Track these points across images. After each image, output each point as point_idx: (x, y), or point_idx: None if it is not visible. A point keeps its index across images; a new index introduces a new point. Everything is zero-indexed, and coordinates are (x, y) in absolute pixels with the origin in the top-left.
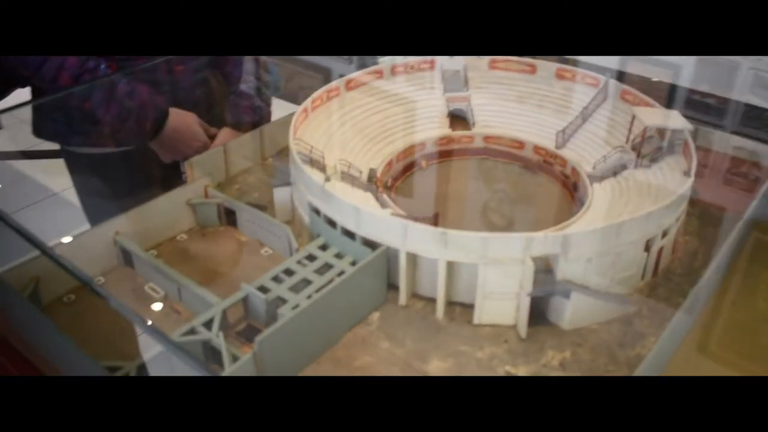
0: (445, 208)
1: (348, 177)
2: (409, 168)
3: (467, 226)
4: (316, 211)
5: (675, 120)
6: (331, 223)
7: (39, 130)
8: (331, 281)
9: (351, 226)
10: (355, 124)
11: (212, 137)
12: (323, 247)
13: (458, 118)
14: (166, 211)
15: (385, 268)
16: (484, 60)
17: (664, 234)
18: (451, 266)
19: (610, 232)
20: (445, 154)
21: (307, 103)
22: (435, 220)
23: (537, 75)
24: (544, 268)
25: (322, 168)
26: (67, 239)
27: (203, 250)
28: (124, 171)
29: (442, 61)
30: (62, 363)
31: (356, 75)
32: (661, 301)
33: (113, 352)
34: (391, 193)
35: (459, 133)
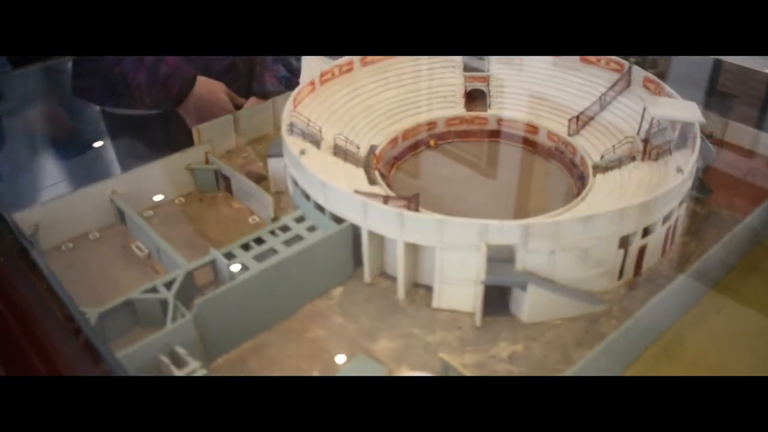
0: (444, 189)
1: (341, 152)
2: (416, 147)
3: (461, 209)
4: (296, 183)
5: (686, 112)
6: (307, 196)
7: (79, 91)
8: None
9: (321, 201)
10: (365, 101)
11: (239, 106)
12: (299, 219)
13: (476, 99)
14: (166, 173)
15: (350, 245)
16: None
17: (647, 232)
18: (415, 248)
19: (573, 225)
20: (456, 134)
21: (316, 76)
22: (413, 201)
23: (561, 57)
24: (506, 257)
25: (316, 142)
26: (66, 194)
27: (196, 214)
28: (158, 132)
29: None
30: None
31: None
32: (637, 303)
33: (91, 299)
34: (391, 170)
35: (472, 113)
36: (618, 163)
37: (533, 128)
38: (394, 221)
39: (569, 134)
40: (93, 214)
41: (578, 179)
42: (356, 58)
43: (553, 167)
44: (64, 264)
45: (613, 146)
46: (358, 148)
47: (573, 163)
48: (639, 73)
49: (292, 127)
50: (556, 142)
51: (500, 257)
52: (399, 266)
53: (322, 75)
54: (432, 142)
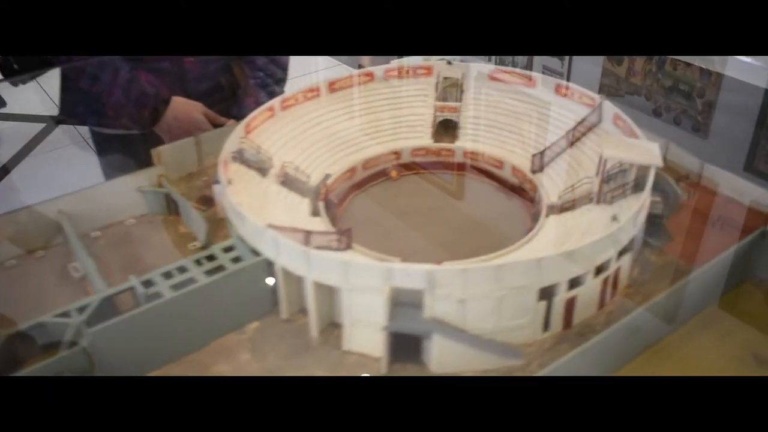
0: (396, 223)
1: (290, 181)
2: (376, 177)
3: (407, 245)
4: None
5: (642, 153)
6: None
7: (63, 109)
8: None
9: (241, 231)
10: (328, 128)
11: (220, 126)
12: (227, 249)
13: (447, 129)
14: (118, 194)
15: (260, 280)
16: (485, 70)
17: (574, 284)
18: (329, 286)
19: (483, 274)
20: (421, 165)
21: (275, 102)
22: (344, 237)
23: (536, 89)
24: (416, 303)
25: (263, 170)
26: (16, 209)
27: (142, 237)
28: (143, 150)
29: (441, 68)
30: None
31: (343, 77)
32: (561, 357)
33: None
34: (344, 201)
35: (439, 145)
36: (572, 205)
37: (498, 163)
38: (302, 259)
39: (532, 171)
40: (41, 232)
41: (534, 219)
42: (324, 84)
43: (514, 205)
44: (4, 281)
45: (572, 186)
46: (308, 177)
47: (533, 201)
48: (609, 110)
49: (240, 154)
50: (520, 178)
51: (410, 302)
52: (310, 305)
53: (284, 101)
54: (394, 173)
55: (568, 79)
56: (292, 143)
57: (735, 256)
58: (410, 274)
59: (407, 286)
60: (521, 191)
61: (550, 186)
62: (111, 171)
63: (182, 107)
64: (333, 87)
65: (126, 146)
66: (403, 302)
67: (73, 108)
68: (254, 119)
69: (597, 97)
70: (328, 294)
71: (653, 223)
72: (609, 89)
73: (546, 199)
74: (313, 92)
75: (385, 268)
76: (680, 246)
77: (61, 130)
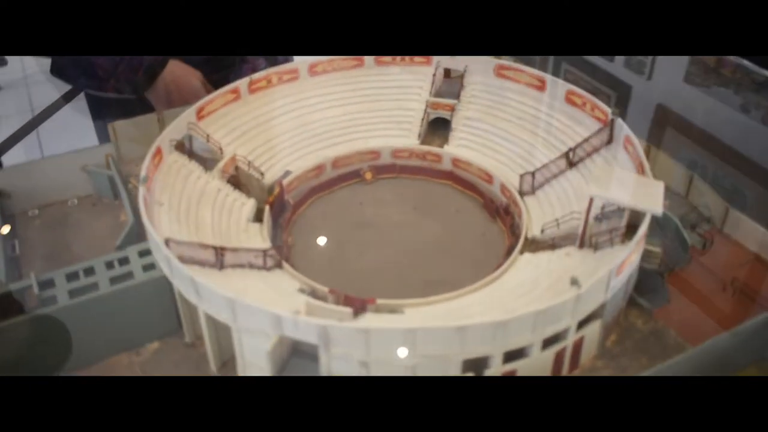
0: (356, 236)
1: (236, 178)
2: (347, 178)
3: (358, 266)
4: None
5: (639, 196)
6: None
7: (54, 70)
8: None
9: (150, 242)
10: (301, 116)
11: None
12: (143, 253)
13: (437, 130)
14: (62, 172)
15: (169, 296)
16: (491, 64)
17: (514, 357)
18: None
19: (389, 337)
20: (401, 169)
21: (242, 83)
22: (276, 254)
23: (545, 93)
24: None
25: (207, 162)
26: None
27: (79, 221)
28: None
29: (442, 59)
30: None
31: (326, 59)
32: None
33: None
34: (302, 205)
35: (425, 148)
36: (551, 245)
37: (488, 176)
38: (190, 288)
39: (521, 193)
40: None
41: (508, 252)
42: (304, 66)
43: (493, 231)
44: None
45: (557, 220)
46: (262, 174)
47: (513, 228)
48: (621, 130)
49: (190, 141)
50: (508, 199)
51: (309, 355)
52: (205, 335)
53: (252, 82)
54: (368, 175)
55: (652, 63)
56: (253, 133)
57: (737, 339)
58: (300, 327)
59: (299, 338)
60: (505, 215)
61: (537, 214)
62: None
63: (181, 71)
64: (314, 70)
65: (123, 112)
66: (303, 352)
67: (63, 69)
68: (210, 102)
69: (609, 111)
70: (225, 327)
71: (649, 277)
72: (695, 78)
73: (527, 229)
74: (290, 74)
75: (273, 315)
76: (677, 312)
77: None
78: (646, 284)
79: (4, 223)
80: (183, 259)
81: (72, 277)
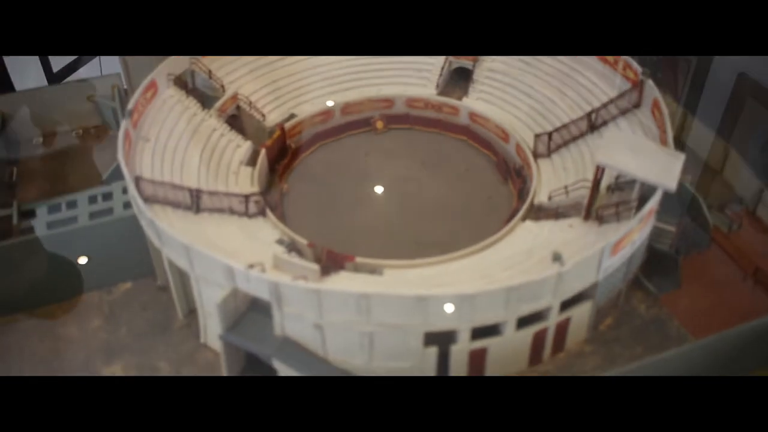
0: (353, 189)
1: (236, 117)
2: (356, 126)
3: (350, 223)
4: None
5: (652, 168)
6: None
7: None
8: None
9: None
10: (312, 57)
11: None
12: (126, 189)
13: (458, 81)
14: (68, 100)
15: (143, 237)
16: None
17: (487, 333)
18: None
19: (341, 300)
20: (415, 120)
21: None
22: (256, 200)
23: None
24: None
25: (206, 99)
26: None
27: (81, 152)
28: None
29: None
30: None
31: None
32: None
33: None
34: (306, 150)
35: (441, 99)
36: (555, 214)
37: (504, 135)
38: (152, 230)
39: (535, 155)
40: None
41: (511, 217)
42: None
43: (502, 193)
44: None
45: (566, 188)
46: (263, 116)
47: (523, 192)
48: (651, 92)
49: (192, 77)
50: (523, 160)
51: (266, 312)
52: (171, 282)
53: None
54: (380, 124)
55: None
56: (261, 72)
57: (747, 338)
58: (252, 281)
59: (253, 293)
60: (517, 177)
61: (550, 178)
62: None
63: None
64: None
65: None
66: (261, 309)
67: None
68: None
69: (640, 71)
70: (188, 273)
71: (660, 258)
72: None
73: (535, 194)
74: None
75: (226, 266)
76: (685, 299)
77: None
78: (656, 266)
79: (8, 149)
80: (155, 200)
81: (54, 209)
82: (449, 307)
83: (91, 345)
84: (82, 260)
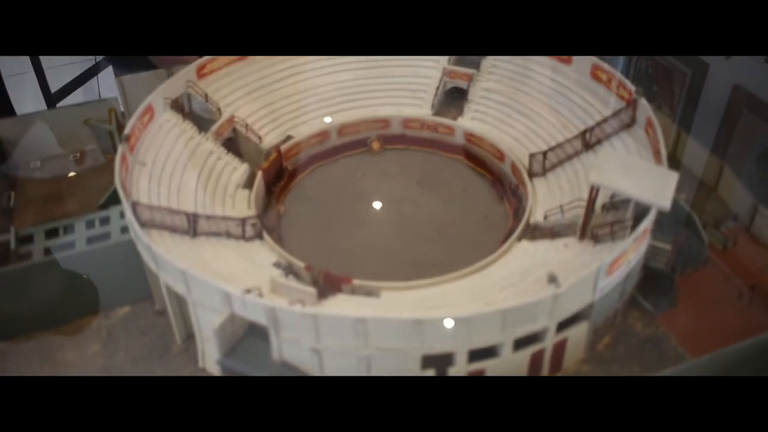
0: (351, 211)
1: (233, 140)
2: (352, 147)
3: (346, 245)
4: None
5: (646, 187)
6: None
7: None
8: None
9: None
10: (309, 80)
11: None
12: (124, 214)
13: (452, 101)
14: (66, 124)
15: (140, 261)
16: None
17: (484, 355)
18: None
19: (339, 324)
20: (411, 141)
21: None
22: (252, 223)
23: (571, 66)
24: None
25: (202, 123)
26: None
27: (79, 176)
28: None
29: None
30: None
31: None
32: None
33: None
34: (302, 172)
35: (437, 119)
36: (551, 233)
37: (499, 154)
38: (148, 254)
39: (530, 174)
40: None
41: (507, 237)
42: None
43: (498, 212)
44: None
45: (561, 207)
46: (260, 138)
47: (519, 211)
48: (644, 111)
49: (189, 100)
50: (518, 179)
51: (264, 336)
52: (168, 307)
53: None
54: (376, 145)
55: None
56: (257, 94)
57: (744, 356)
58: (248, 306)
59: (250, 317)
60: (512, 196)
61: (545, 197)
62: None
63: None
64: None
65: None
66: (259, 333)
67: None
68: (213, 60)
69: (633, 90)
70: (185, 298)
71: (656, 277)
72: None
73: (531, 213)
74: None
75: (223, 291)
76: (682, 317)
77: None
78: (652, 284)
79: (6, 173)
80: (152, 224)
81: (51, 233)
82: (448, 326)
83: (89, 370)
84: (79, 285)
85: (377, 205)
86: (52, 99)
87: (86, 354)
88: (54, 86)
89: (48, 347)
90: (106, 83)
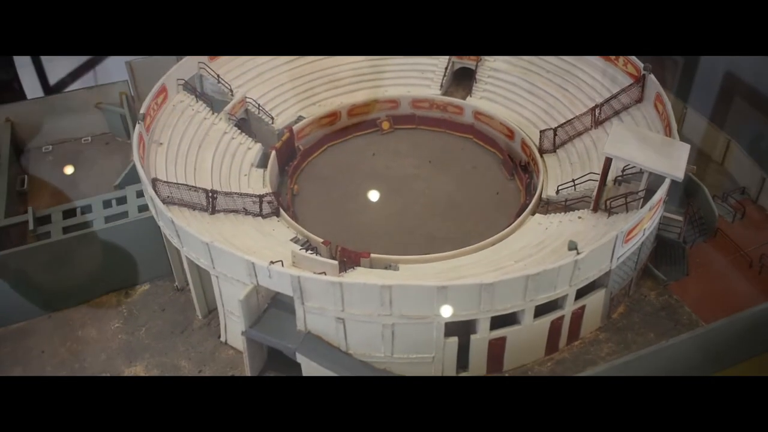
0: (364, 189)
1: (245, 121)
2: (363, 127)
3: (361, 221)
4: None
5: (659, 158)
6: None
7: None
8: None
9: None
10: (319, 61)
11: None
12: (141, 193)
13: (461, 81)
14: (77, 108)
15: (160, 238)
16: None
17: (506, 322)
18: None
19: (365, 292)
20: (421, 120)
21: None
22: (270, 200)
23: None
24: (293, 310)
25: (214, 103)
26: None
27: (90, 159)
28: None
29: None
30: None
31: None
32: None
33: None
34: (315, 151)
35: (446, 99)
36: (564, 206)
37: (509, 132)
38: (172, 230)
39: (541, 151)
40: None
41: (519, 211)
42: None
43: (509, 188)
44: None
45: (573, 181)
46: (272, 119)
47: (530, 187)
48: (653, 87)
49: (200, 81)
50: (528, 156)
51: (287, 308)
52: (190, 281)
53: None
54: (386, 125)
55: None
56: (268, 75)
57: (755, 322)
58: (274, 276)
59: (274, 289)
60: (523, 173)
61: (556, 173)
62: None
63: None
64: None
65: None
66: (283, 304)
67: None
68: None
69: (642, 67)
70: (208, 273)
71: (668, 247)
72: None
73: (543, 188)
74: None
75: (248, 263)
76: (694, 286)
77: None
78: (665, 254)
79: (18, 157)
80: (171, 201)
81: (69, 214)
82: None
83: (111, 346)
84: (99, 263)
85: (389, 183)
86: (50, 90)
87: (108, 331)
88: (52, 76)
89: (69, 325)
90: (102, 72)
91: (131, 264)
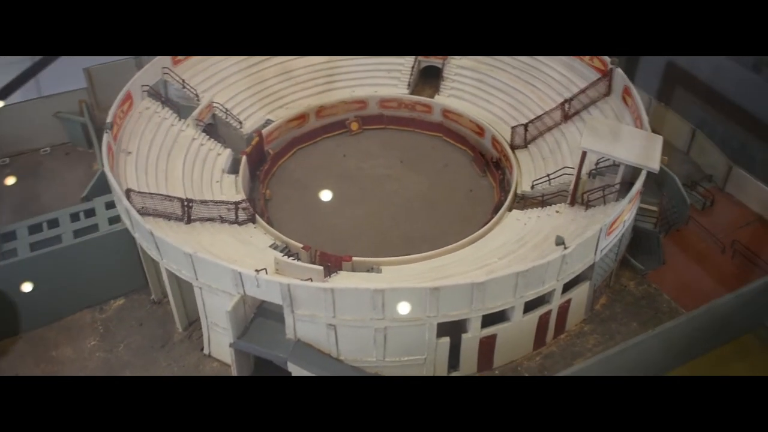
0: (336, 191)
1: (213, 126)
2: (331, 129)
3: (336, 225)
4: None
5: (634, 150)
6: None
7: None
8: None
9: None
10: (283, 63)
11: None
12: (110, 205)
13: (428, 80)
14: (36, 117)
15: (134, 250)
16: None
17: (496, 320)
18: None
19: (353, 298)
20: (390, 120)
21: None
22: (245, 207)
23: None
24: (281, 319)
25: (180, 110)
26: None
27: (51, 170)
28: None
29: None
30: None
31: None
32: None
33: None
34: (284, 155)
35: (414, 98)
36: (541, 201)
37: (479, 129)
38: (150, 241)
39: (512, 146)
40: None
41: (496, 208)
42: None
43: (483, 186)
44: None
45: (548, 176)
46: (240, 123)
47: (503, 183)
48: (620, 81)
49: (165, 87)
50: (500, 153)
51: (274, 316)
52: (170, 293)
53: None
54: (354, 126)
55: None
56: (233, 79)
57: (734, 305)
58: (262, 285)
59: (262, 297)
60: (495, 169)
61: (529, 169)
62: None
63: None
64: None
65: None
66: (270, 313)
67: None
68: None
69: (608, 61)
70: (189, 284)
71: (644, 237)
72: None
73: (518, 184)
74: None
75: (234, 272)
76: (670, 274)
77: None
78: (641, 245)
79: None
80: (146, 212)
81: (35, 229)
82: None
83: (89, 365)
84: (70, 280)
85: (362, 184)
86: None
87: (84, 349)
88: None
89: (42, 345)
90: (46, 81)
91: (104, 278)
